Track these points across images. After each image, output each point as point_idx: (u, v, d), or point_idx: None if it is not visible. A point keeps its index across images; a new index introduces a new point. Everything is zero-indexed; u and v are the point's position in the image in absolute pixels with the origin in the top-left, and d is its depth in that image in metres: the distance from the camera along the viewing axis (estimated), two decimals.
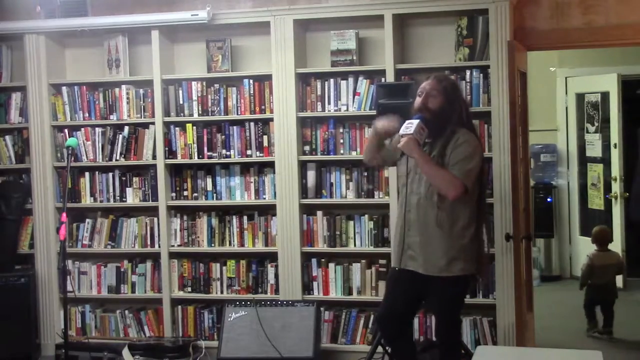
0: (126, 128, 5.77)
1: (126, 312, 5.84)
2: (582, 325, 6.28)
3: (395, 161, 4.36)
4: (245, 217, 5.64)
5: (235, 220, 5.65)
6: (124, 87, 5.78)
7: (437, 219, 4.06)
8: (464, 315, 5.27)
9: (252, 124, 5.57)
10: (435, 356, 4.61)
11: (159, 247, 5.73)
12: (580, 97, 8.36)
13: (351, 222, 5.46)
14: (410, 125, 4.06)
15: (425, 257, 4.10)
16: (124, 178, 5.82)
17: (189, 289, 5.73)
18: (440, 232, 4.07)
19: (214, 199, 5.67)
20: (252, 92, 5.56)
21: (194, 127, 5.66)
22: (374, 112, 5.05)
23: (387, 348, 4.71)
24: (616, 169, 7.79)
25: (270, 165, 5.55)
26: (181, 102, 5.69)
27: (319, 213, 5.50)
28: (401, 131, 4.10)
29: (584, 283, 6.34)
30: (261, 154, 5.56)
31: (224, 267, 5.68)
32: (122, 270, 5.84)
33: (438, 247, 4.07)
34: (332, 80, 5.44)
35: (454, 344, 4.35)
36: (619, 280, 6.93)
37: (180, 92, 5.69)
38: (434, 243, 4.07)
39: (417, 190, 4.13)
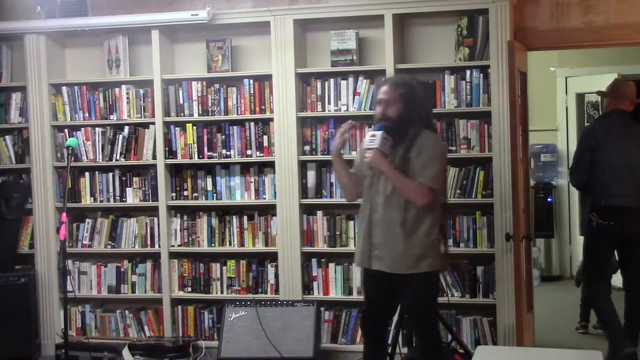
0: (126, 128, 5.77)
1: (126, 312, 5.84)
2: None
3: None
4: (245, 217, 5.64)
5: (235, 220, 5.65)
6: (124, 87, 5.78)
7: (402, 219, 4.05)
8: (465, 315, 5.28)
9: (252, 124, 5.57)
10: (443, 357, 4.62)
11: (159, 247, 5.73)
12: (580, 97, 8.36)
13: (351, 222, 5.45)
14: (374, 138, 4.04)
15: (391, 256, 4.08)
16: (124, 178, 5.81)
17: (189, 289, 5.73)
18: (405, 231, 4.05)
19: (214, 199, 5.67)
20: (252, 92, 5.56)
21: (194, 127, 5.66)
22: (374, 112, 5.05)
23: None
24: None
25: (270, 165, 5.55)
26: (181, 102, 5.69)
27: (319, 213, 5.50)
28: (365, 145, 4.10)
29: (580, 280, 6.40)
30: (261, 154, 5.56)
31: (224, 267, 5.67)
32: (122, 270, 5.84)
33: (405, 246, 4.05)
34: (332, 80, 5.44)
35: (434, 342, 4.26)
36: (618, 280, 6.92)
37: (180, 92, 5.69)
38: (400, 242, 4.05)
39: (383, 190, 4.11)
